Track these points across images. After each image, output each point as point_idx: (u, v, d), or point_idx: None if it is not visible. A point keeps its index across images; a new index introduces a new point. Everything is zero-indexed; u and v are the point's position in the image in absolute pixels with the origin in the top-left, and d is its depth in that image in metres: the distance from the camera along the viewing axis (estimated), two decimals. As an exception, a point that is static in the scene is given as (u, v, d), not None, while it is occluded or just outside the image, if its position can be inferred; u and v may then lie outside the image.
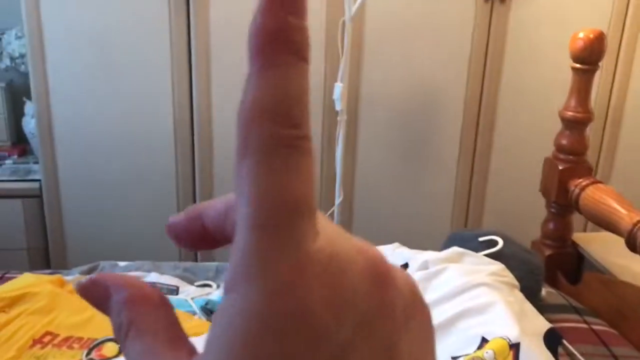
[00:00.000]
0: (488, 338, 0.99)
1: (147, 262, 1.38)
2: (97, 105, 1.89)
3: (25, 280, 1.24)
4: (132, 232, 1.90)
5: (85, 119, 1.89)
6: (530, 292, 1.19)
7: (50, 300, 1.18)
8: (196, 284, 1.34)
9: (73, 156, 1.91)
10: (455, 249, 1.20)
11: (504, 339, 0.97)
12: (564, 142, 1.58)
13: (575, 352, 1.14)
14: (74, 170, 1.91)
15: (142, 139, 1.88)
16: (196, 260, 1.81)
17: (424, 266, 1.17)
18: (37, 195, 1.91)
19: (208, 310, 1.22)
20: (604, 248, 1.64)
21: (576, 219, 1.66)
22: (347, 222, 1.85)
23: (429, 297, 1.10)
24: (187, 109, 1.91)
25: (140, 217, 1.87)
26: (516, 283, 1.15)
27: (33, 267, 1.87)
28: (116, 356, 1.07)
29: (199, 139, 1.92)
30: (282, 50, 0.18)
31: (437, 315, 1.06)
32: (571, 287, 1.55)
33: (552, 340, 1.04)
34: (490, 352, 0.96)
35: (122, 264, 1.38)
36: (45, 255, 1.92)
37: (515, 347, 0.97)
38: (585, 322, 1.30)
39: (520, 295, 1.13)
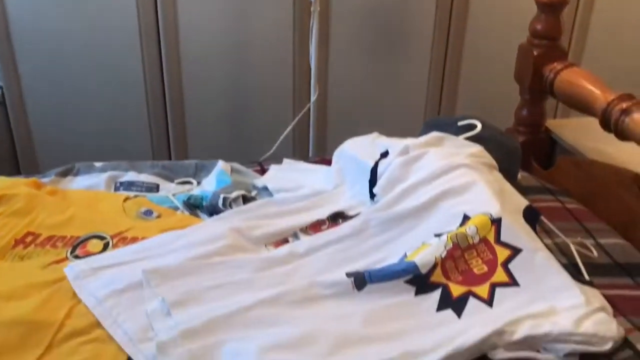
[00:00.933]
0: (470, 215, 1.01)
1: (124, 161, 1.35)
2: (58, 5, 1.79)
3: (0, 183, 1.22)
4: (103, 134, 1.85)
5: (46, 20, 1.79)
6: (508, 174, 1.21)
7: (29, 201, 1.16)
8: (176, 181, 1.33)
9: (35, 60, 1.83)
10: (435, 134, 1.20)
11: (486, 214, 1.00)
12: (538, 27, 1.56)
13: (553, 227, 1.18)
14: (36, 75, 1.83)
15: (106, 37, 1.80)
16: (170, 159, 1.80)
17: (405, 151, 1.17)
18: (0, 103, 1.84)
19: (191, 204, 1.22)
20: (577, 133, 1.67)
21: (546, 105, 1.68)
22: (322, 118, 1.84)
23: (410, 180, 1.12)
24: (152, 7, 1.82)
25: (110, 118, 1.83)
26: (495, 164, 1.17)
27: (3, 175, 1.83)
28: (101, 252, 1.07)
29: (165, 36, 1.85)
30: None
31: (419, 197, 1.08)
32: (544, 172, 1.58)
33: (530, 216, 1.07)
34: (473, 227, 0.99)
35: (98, 164, 1.35)
36: (14, 164, 1.88)
37: (496, 222, 0.99)
38: (559, 201, 1.35)
39: (499, 176, 1.15)
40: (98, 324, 0.89)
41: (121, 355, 0.85)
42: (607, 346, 0.85)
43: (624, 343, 0.88)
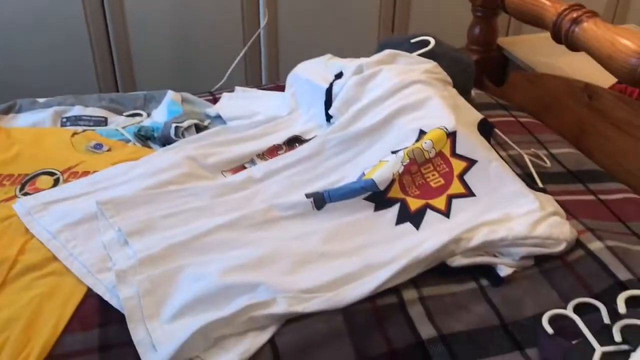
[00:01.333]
0: (425, 130, 1.01)
1: (69, 96, 1.30)
2: None
3: None
4: (45, 70, 1.76)
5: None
6: (463, 90, 1.21)
7: (-31, 140, 1.11)
8: (125, 114, 1.28)
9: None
10: (388, 51, 1.18)
11: (441, 129, 1.00)
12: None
13: (507, 140, 1.19)
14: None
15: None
16: (118, 91, 1.73)
17: (359, 70, 1.15)
18: None
19: (142, 136, 1.19)
20: (528, 49, 1.68)
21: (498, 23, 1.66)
22: (273, 44, 1.78)
23: (365, 99, 1.10)
24: None
25: (52, 54, 1.73)
26: (449, 80, 1.16)
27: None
28: (52, 188, 1.03)
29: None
30: None
31: (375, 116, 1.07)
32: (497, 89, 1.59)
33: (485, 129, 1.08)
34: (429, 141, 0.99)
35: (41, 100, 1.29)
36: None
37: (452, 135, 0.99)
38: (512, 116, 1.36)
39: (454, 91, 1.15)
40: (53, 258, 0.87)
41: (80, 287, 0.84)
42: (561, 247, 0.88)
43: (577, 244, 0.90)
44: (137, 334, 0.76)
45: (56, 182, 1.05)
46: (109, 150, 1.15)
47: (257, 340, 0.75)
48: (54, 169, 1.08)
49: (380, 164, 1.00)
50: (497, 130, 1.19)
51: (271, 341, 0.75)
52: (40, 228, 0.91)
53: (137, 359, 0.74)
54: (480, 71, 1.61)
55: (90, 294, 0.83)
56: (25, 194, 1.02)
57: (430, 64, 1.16)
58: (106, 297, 0.82)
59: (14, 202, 0.98)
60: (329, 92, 1.16)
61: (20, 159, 1.10)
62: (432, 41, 1.24)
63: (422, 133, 1.01)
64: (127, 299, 0.80)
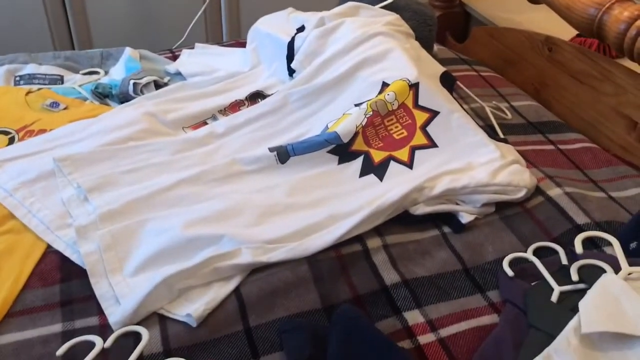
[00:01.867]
0: (388, 82, 1.01)
1: (22, 53, 1.25)
2: None
3: None
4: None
5: None
6: (425, 43, 1.20)
7: None
8: (81, 72, 1.24)
9: None
10: (351, 3, 1.17)
11: (404, 80, 1.00)
12: None
13: (469, 92, 1.20)
14: None
15: None
16: (74, 49, 1.68)
17: (321, 23, 1.14)
18: None
19: (99, 94, 1.15)
20: (490, 5, 1.68)
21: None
22: (234, 2, 1.74)
23: (328, 52, 1.09)
24: None
25: (1, 10, 1.66)
26: (411, 32, 1.16)
27: None
28: (6, 147, 1.00)
29: None
30: None
31: (337, 68, 1.06)
32: (460, 45, 1.59)
33: (447, 81, 1.08)
34: (392, 93, 0.99)
35: (-9, 58, 1.24)
36: None
37: (414, 87, 0.99)
38: (474, 70, 1.37)
39: (416, 44, 1.14)
40: (10, 216, 0.85)
41: (39, 244, 0.82)
42: (521, 194, 0.90)
43: (537, 191, 0.92)
44: (100, 288, 0.75)
45: (11, 141, 1.02)
46: (65, 108, 1.11)
47: (223, 290, 0.75)
48: (9, 128, 1.05)
49: (344, 116, 1.00)
50: (459, 84, 1.19)
51: (236, 291, 0.75)
52: (-5, 186, 0.89)
53: (100, 313, 0.73)
54: (443, 27, 1.61)
55: (50, 251, 0.82)
56: (-21, 153, 0.99)
57: (393, 17, 1.15)
58: (66, 253, 0.81)
59: (-33, 162, 0.95)
60: (290, 46, 1.15)
61: (-29, 118, 1.06)
62: (394, -6, 1.22)
63: (384, 85, 1.01)
64: (88, 254, 0.79)
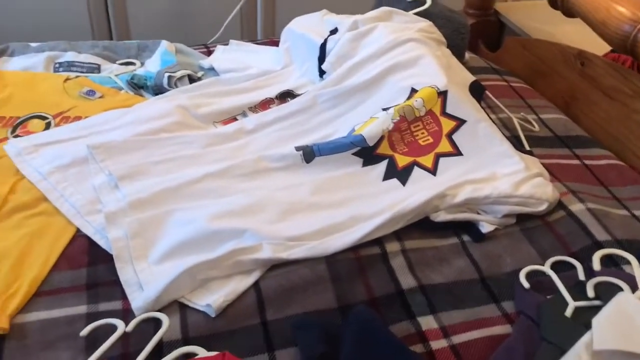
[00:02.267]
0: (417, 88, 1.02)
1: (62, 41, 1.29)
2: None
3: None
4: (38, 13, 1.73)
5: None
6: (456, 50, 1.21)
7: (-39, 81, 1.10)
8: (118, 62, 1.27)
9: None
10: (384, 8, 1.18)
11: (433, 87, 1.00)
12: None
13: (498, 103, 1.20)
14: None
15: None
16: (112, 39, 1.72)
17: (354, 26, 1.15)
18: None
19: (134, 84, 1.19)
20: (524, 15, 1.67)
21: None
22: (270, 1, 1.77)
23: (359, 55, 1.10)
24: None
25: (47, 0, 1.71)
26: (443, 40, 1.16)
27: None
28: (43, 131, 1.04)
29: None
30: None
31: (368, 72, 1.08)
32: (491, 54, 1.59)
33: (476, 90, 1.09)
34: (420, 100, 1.00)
35: (34, 44, 1.28)
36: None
37: (443, 95, 1.00)
38: (505, 80, 1.37)
39: (447, 51, 1.15)
40: (43, 199, 0.88)
41: (69, 228, 0.85)
42: (543, 207, 0.90)
43: (559, 205, 0.92)
44: (125, 274, 0.78)
45: (47, 126, 1.06)
46: (101, 97, 1.15)
47: (242, 283, 0.77)
48: (46, 113, 1.08)
49: (371, 120, 1.01)
50: (488, 93, 1.20)
51: (255, 285, 0.77)
52: (31, 169, 0.92)
53: (124, 297, 0.75)
54: (475, 35, 1.61)
55: (79, 235, 0.84)
56: (17, 136, 1.02)
57: (426, 23, 1.16)
58: (95, 238, 0.83)
59: (4, 144, 0.98)
60: (323, 48, 1.16)
61: (12, 101, 1.10)
62: (429, 1, 1.23)
63: (413, 91, 1.02)
64: (116, 240, 0.81)
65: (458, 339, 0.72)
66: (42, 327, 0.72)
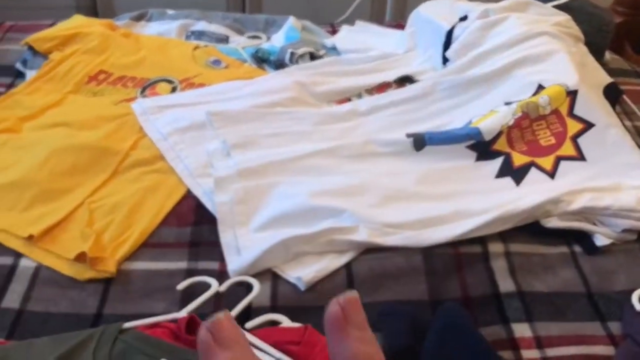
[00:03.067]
0: (545, 85, 0.96)
1: (195, 11, 1.35)
2: None
3: (76, 21, 1.24)
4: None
5: None
6: (596, 49, 1.12)
7: (103, 40, 1.19)
8: (246, 35, 1.31)
9: None
10: (520, -2, 1.12)
11: (562, 86, 0.94)
12: None
13: (635, 109, 1.10)
14: None
15: None
16: (244, 12, 1.77)
17: (484, 15, 1.10)
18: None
19: (258, 58, 1.22)
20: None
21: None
22: None
23: (486, 45, 1.06)
24: None
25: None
26: (581, 36, 1.08)
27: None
28: (168, 94, 1.09)
29: None
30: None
31: (494, 63, 1.03)
32: (637, 57, 1.47)
33: (611, 93, 1.01)
34: (546, 97, 0.94)
35: (170, 12, 1.35)
36: (93, 9, 1.91)
37: (572, 94, 0.94)
38: (647, 85, 1.25)
39: (584, 49, 1.07)
40: (160, 157, 0.93)
41: (180, 187, 0.89)
42: (670, 227, 0.82)
43: (689, 226, 0.83)
44: (226, 237, 0.81)
45: (173, 90, 1.11)
46: (226, 67, 1.19)
47: (335, 262, 0.77)
48: (173, 78, 1.14)
49: (491, 113, 0.96)
50: (625, 98, 1.10)
51: (347, 266, 0.77)
52: (153, 128, 0.98)
53: (222, 259, 0.78)
54: (622, 34, 1.49)
55: (189, 195, 0.88)
56: (145, 97, 1.09)
57: (563, 17, 1.08)
58: (203, 200, 0.87)
59: (133, 103, 1.05)
60: (449, 34, 1.13)
61: (144, 64, 1.17)
62: (570, -6, 1.15)
63: (540, 87, 0.96)
64: (222, 204, 0.84)
65: (553, 352, 0.67)
66: (145, 276, 0.76)
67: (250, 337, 0.61)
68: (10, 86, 1.13)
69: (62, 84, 1.10)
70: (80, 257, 0.75)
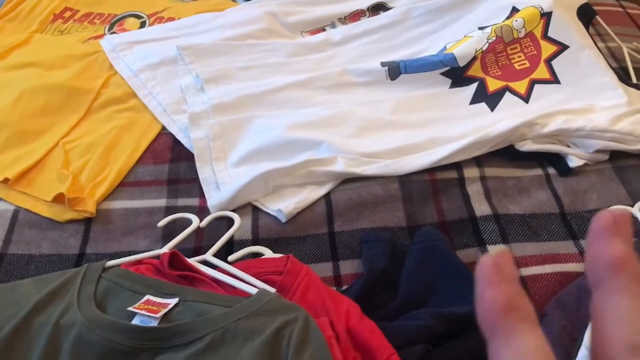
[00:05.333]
0: (519, 7, 0.95)
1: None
2: None
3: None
4: None
5: None
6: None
7: (65, -25, 1.14)
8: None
9: None
10: None
11: (536, 7, 0.93)
12: None
13: (609, 30, 1.10)
14: None
15: None
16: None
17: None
18: None
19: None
20: None
21: None
22: None
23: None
24: None
25: None
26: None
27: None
28: (137, 29, 1.06)
29: None
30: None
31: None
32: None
33: (585, 14, 1.00)
34: (520, 20, 0.93)
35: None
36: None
37: (546, 16, 0.93)
38: (621, 6, 1.25)
39: (559, -31, 1.05)
40: (133, 95, 0.92)
41: (155, 124, 0.88)
42: (641, 146, 0.83)
43: (660, 145, 0.85)
44: (204, 173, 0.81)
45: (142, 25, 1.08)
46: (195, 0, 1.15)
47: (314, 193, 0.77)
48: (142, 12, 1.11)
49: (465, 39, 0.96)
50: (598, 19, 1.09)
51: (327, 196, 0.78)
52: (123, 65, 0.95)
53: (201, 195, 0.78)
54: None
55: (164, 132, 0.88)
56: (113, 33, 1.06)
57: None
58: (178, 137, 0.86)
59: (101, 40, 1.02)
60: (422, -41, 1.10)
61: (111, -1, 1.13)
62: None
63: (514, 10, 0.95)
64: (198, 140, 0.84)
65: (527, 271, 0.70)
66: (125, 215, 0.76)
67: (233, 270, 0.62)
68: (-29, 26, 1.09)
69: (26, 23, 1.07)
70: (59, 199, 0.75)
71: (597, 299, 0.21)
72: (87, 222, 0.75)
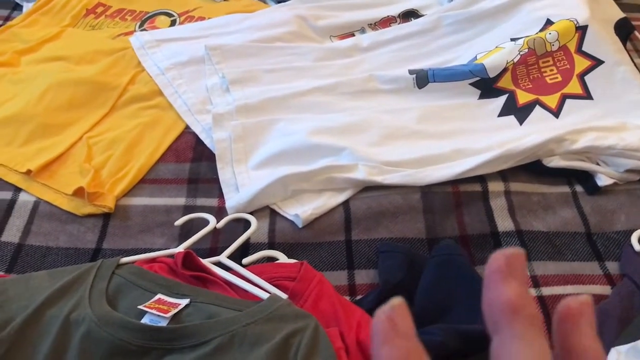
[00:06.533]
0: (553, 20, 0.93)
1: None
2: None
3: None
4: None
5: None
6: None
7: (100, -29, 1.15)
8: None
9: None
10: None
11: (571, 20, 0.91)
12: None
13: (645, 45, 1.07)
14: None
15: None
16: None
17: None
18: None
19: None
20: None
21: None
22: None
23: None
24: None
25: None
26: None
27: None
28: (168, 27, 1.06)
29: None
30: (524, 322, 0.20)
31: (501, -3, 0.99)
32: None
33: (623, 29, 0.97)
34: (554, 32, 0.91)
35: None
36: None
37: (581, 30, 0.91)
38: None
39: (597, -18, 1.03)
40: (159, 93, 0.92)
41: (179, 123, 0.88)
42: (675, 167, 0.81)
43: (694, 167, 0.82)
44: (224, 174, 0.80)
45: (173, 24, 1.08)
46: (226, 0, 1.15)
47: (333, 200, 0.76)
48: (173, 11, 1.11)
49: (496, 49, 0.94)
50: (637, 34, 1.07)
51: (345, 204, 0.76)
52: (151, 63, 0.96)
53: (220, 196, 0.78)
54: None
55: (187, 131, 0.88)
56: (143, 30, 1.06)
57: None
58: (201, 137, 0.86)
59: (131, 37, 1.02)
60: (457, -33, 1.08)
61: (142, -4, 1.14)
62: None
63: (548, 23, 0.93)
64: (220, 141, 0.83)
65: (548, 290, 0.68)
66: (143, 212, 0.76)
67: (246, 273, 0.62)
68: (7, 19, 1.11)
69: (59, 17, 1.08)
70: (78, 192, 0.75)
71: (496, 345, 0.20)
72: (105, 217, 0.75)
